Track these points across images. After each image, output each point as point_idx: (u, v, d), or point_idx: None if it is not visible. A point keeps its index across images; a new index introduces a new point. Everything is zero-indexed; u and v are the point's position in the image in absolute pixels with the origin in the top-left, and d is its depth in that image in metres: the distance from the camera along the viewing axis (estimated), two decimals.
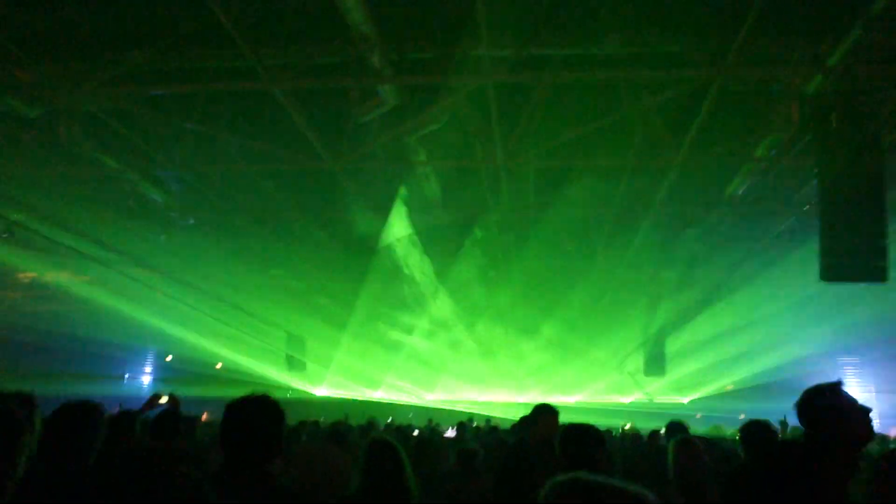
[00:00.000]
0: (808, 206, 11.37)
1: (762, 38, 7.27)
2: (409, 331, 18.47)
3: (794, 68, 7.82)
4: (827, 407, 2.78)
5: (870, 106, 7.47)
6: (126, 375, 22.00)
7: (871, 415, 2.82)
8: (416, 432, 11.33)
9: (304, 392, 20.87)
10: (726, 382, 19.12)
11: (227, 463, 2.47)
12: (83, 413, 3.05)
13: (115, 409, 5.16)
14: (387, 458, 3.56)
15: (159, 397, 5.21)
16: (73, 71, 8.47)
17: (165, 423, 4.99)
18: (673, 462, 4.01)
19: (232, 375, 18.82)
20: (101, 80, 8.50)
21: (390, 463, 3.55)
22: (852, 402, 2.82)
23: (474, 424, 13.35)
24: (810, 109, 8.15)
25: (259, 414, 2.55)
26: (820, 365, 17.83)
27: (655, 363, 17.80)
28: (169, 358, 21.04)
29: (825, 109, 8.05)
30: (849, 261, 8.61)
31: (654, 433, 9.05)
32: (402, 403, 21.41)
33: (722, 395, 19.28)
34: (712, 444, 6.42)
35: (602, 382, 19.83)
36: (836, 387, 2.85)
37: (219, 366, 19.58)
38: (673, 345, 17.85)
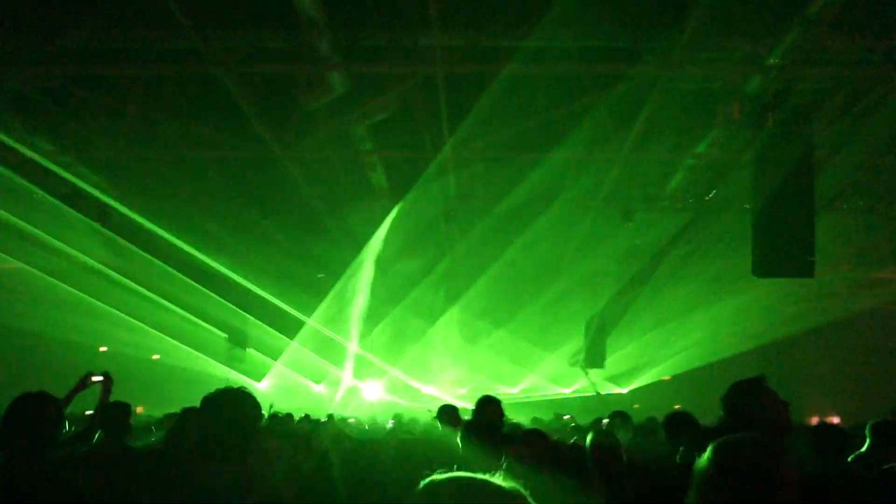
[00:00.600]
0: (744, 205, 11.80)
1: (706, 37, 7.48)
2: (347, 323, 18.32)
3: (735, 67, 8.09)
4: (747, 399, 2.94)
5: (805, 106, 7.78)
6: None
7: (788, 408, 2.97)
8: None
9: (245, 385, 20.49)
10: (664, 373, 19.68)
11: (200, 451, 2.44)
12: (42, 403, 2.95)
13: None
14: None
15: (90, 375, 4.99)
16: (3, 47, 8.06)
17: (117, 418, 4.81)
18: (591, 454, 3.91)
19: (169, 367, 18.33)
20: (34, 58, 8.12)
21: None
22: (774, 395, 2.97)
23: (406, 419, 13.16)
24: (749, 108, 8.46)
25: (239, 405, 2.58)
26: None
27: (596, 354, 18.15)
28: (103, 349, 20.32)
29: (763, 108, 8.37)
30: (780, 257, 8.98)
31: (597, 421, 9.22)
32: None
33: (659, 385, 19.85)
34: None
35: (543, 374, 20.11)
36: (758, 381, 3.00)
37: (155, 357, 19.04)
38: (613, 337, 18.26)
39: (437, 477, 1.27)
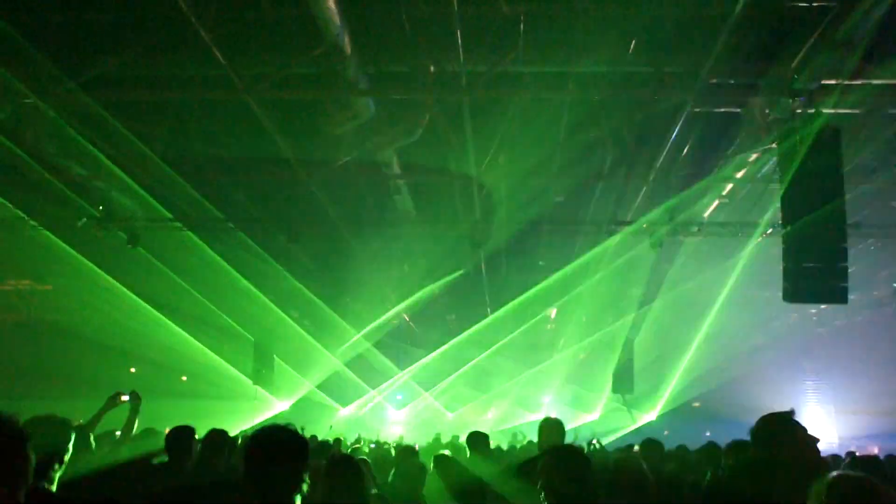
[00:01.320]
0: (771, 230, 11.62)
1: (733, 61, 7.44)
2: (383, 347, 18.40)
3: (763, 92, 8.01)
4: (778, 433, 2.91)
5: (834, 129, 7.66)
6: None
7: (818, 445, 2.95)
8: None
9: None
10: (692, 399, 19.32)
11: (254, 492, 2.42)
12: (51, 428, 3.00)
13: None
14: (349, 473, 3.60)
15: (119, 395, 5.05)
16: (42, 74, 8.32)
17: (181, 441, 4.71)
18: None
19: (198, 388, 18.47)
20: (72, 85, 8.36)
21: (352, 477, 3.59)
22: (804, 431, 2.93)
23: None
24: (777, 132, 8.35)
25: (284, 448, 2.50)
26: (782, 385, 18.17)
27: (624, 379, 17.91)
28: (132, 370, 20.55)
29: (790, 132, 8.26)
30: (811, 282, 8.79)
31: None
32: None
33: (689, 412, 19.48)
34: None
35: (565, 401, 19.96)
36: (789, 415, 2.97)
37: (183, 378, 19.22)
38: (641, 361, 18.01)
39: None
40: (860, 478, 1.99)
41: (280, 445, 2.49)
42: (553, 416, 5.08)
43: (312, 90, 8.67)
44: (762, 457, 2.91)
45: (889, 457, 6.61)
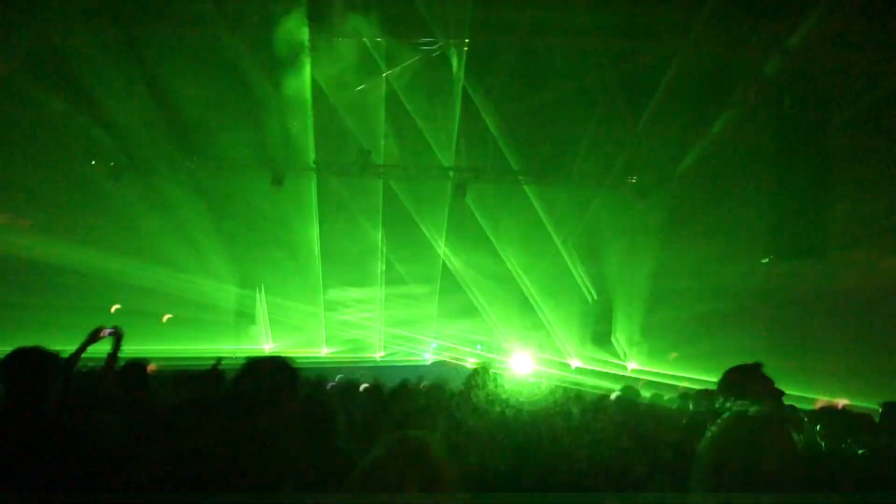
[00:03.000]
0: (755, 185, 11.68)
1: (725, 15, 7.35)
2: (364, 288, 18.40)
3: (754, 48, 7.95)
4: (744, 381, 3.11)
5: (823, 89, 7.65)
6: None
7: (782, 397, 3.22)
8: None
9: (252, 350, 20.71)
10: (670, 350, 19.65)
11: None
12: (38, 359, 3.05)
13: None
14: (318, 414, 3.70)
15: (101, 329, 5.07)
16: (17, 8, 8.06)
17: (132, 373, 4.90)
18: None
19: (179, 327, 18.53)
20: (49, 19, 8.12)
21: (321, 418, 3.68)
22: (769, 382, 3.15)
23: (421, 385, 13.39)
24: (766, 89, 8.33)
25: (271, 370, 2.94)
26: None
27: (603, 332, 18.19)
28: (115, 308, 20.55)
29: (780, 90, 8.25)
30: (793, 239, 8.93)
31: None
32: (352, 361, 21.45)
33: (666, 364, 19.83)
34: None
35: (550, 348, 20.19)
36: (756, 367, 3.20)
37: (166, 317, 19.24)
38: (622, 315, 18.25)
39: (389, 436, 1.64)
40: (745, 415, 1.99)
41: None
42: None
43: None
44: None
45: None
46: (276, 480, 2.37)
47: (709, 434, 1.92)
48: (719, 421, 1.95)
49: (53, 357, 3.19)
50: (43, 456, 2.73)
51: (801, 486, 1.79)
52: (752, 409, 2.83)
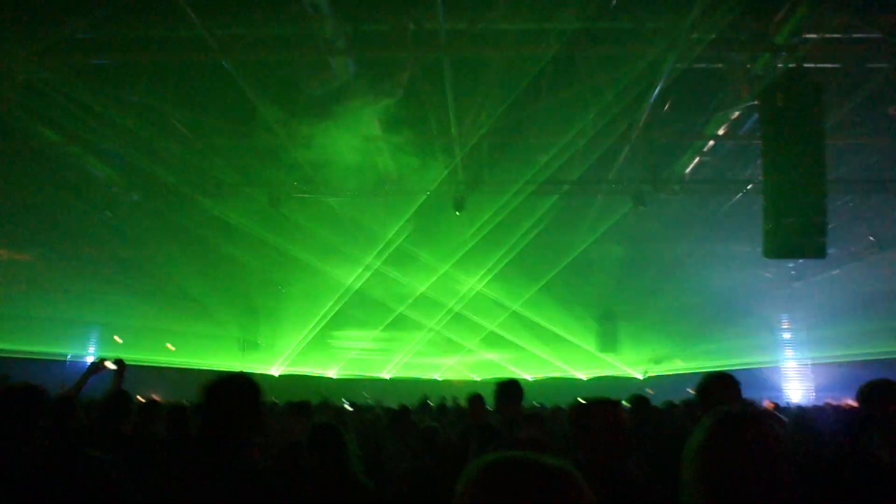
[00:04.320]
0: (751, 185, 11.69)
1: (713, 16, 7.38)
2: (368, 306, 18.34)
3: (744, 47, 7.97)
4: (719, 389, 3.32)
5: (815, 85, 7.66)
6: (69, 356, 21.34)
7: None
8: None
9: (258, 373, 20.61)
10: (679, 360, 19.58)
11: (201, 438, 2.46)
12: (24, 396, 2.99)
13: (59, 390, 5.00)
14: (329, 440, 3.58)
15: (104, 361, 5.03)
16: (9, 37, 8.08)
17: (116, 404, 4.83)
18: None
19: (183, 357, 18.47)
20: (40, 48, 8.14)
21: (333, 445, 3.57)
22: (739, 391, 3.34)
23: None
24: (758, 88, 8.33)
25: (237, 390, 2.60)
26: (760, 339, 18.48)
27: (609, 339, 18.14)
28: (119, 339, 20.49)
29: (772, 88, 8.25)
30: (790, 238, 8.88)
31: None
32: (356, 379, 21.33)
33: (675, 374, 19.73)
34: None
35: (560, 358, 20.10)
36: (728, 376, 3.39)
37: (170, 347, 19.18)
38: (628, 321, 18.22)
39: (488, 456, 1.25)
40: (743, 413, 1.88)
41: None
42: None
43: (289, 51, 8.50)
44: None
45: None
46: None
47: (694, 438, 1.82)
48: (700, 425, 1.85)
49: (42, 392, 3.13)
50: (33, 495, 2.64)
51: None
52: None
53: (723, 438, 1.77)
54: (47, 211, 12.23)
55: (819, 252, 8.90)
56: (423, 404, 9.50)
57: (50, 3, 7.80)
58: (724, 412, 1.84)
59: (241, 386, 2.65)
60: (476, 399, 5.69)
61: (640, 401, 6.81)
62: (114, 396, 4.85)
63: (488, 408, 5.60)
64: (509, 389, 4.65)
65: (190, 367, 17.91)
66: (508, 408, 4.58)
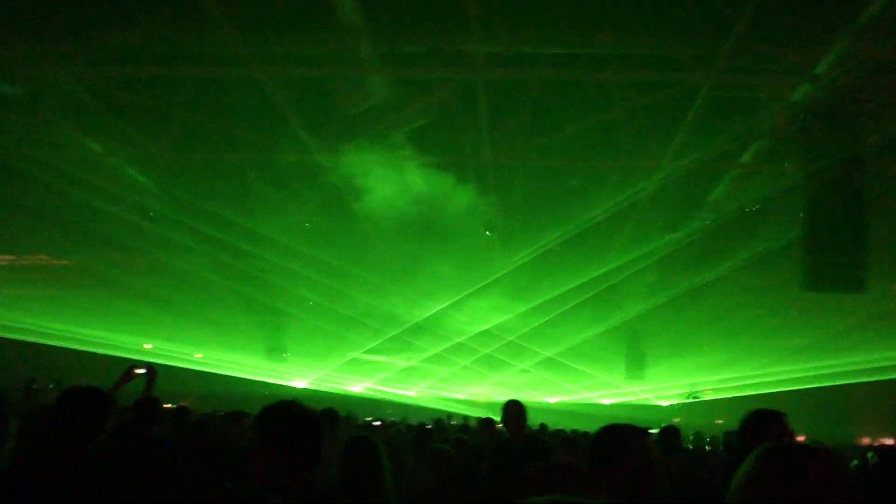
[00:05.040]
0: (789, 216, 11.44)
1: (751, 44, 7.29)
2: (395, 325, 18.35)
3: (782, 76, 7.86)
4: (765, 426, 3.18)
5: (854, 115, 7.51)
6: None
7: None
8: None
9: (282, 386, 20.68)
10: (706, 387, 19.17)
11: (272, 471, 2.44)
12: (90, 398, 3.02)
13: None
14: (366, 454, 3.54)
15: (135, 368, 5.07)
16: (56, 50, 8.33)
17: (146, 409, 4.87)
18: None
19: (211, 366, 18.64)
20: (85, 61, 8.37)
21: (370, 459, 3.53)
22: (789, 431, 3.21)
23: (453, 422, 13.26)
24: (796, 118, 8.20)
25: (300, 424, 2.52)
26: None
27: (636, 366, 17.86)
28: (148, 346, 20.76)
29: (811, 118, 8.11)
30: (830, 271, 8.69)
31: None
32: (380, 398, 21.33)
33: (702, 402, 19.34)
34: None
35: (584, 384, 19.86)
36: (777, 414, 3.25)
37: (198, 356, 19.36)
38: (654, 348, 17.91)
39: (536, 499, 1.20)
40: (794, 444, 1.79)
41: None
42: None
43: (326, 69, 8.61)
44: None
45: None
46: None
47: (743, 468, 1.74)
48: (752, 454, 1.76)
49: (106, 395, 3.16)
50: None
51: None
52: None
53: (784, 470, 1.62)
54: (85, 219, 12.47)
55: (857, 286, 8.70)
56: (438, 423, 9.64)
57: (94, 18, 8.02)
58: (782, 444, 1.77)
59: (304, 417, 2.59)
60: (487, 421, 6.12)
61: (670, 432, 6.59)
62: (143, 401, 4.89)
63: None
64: (516, 409, 4.88)
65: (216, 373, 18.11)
66: (517, 427, 4.81)
